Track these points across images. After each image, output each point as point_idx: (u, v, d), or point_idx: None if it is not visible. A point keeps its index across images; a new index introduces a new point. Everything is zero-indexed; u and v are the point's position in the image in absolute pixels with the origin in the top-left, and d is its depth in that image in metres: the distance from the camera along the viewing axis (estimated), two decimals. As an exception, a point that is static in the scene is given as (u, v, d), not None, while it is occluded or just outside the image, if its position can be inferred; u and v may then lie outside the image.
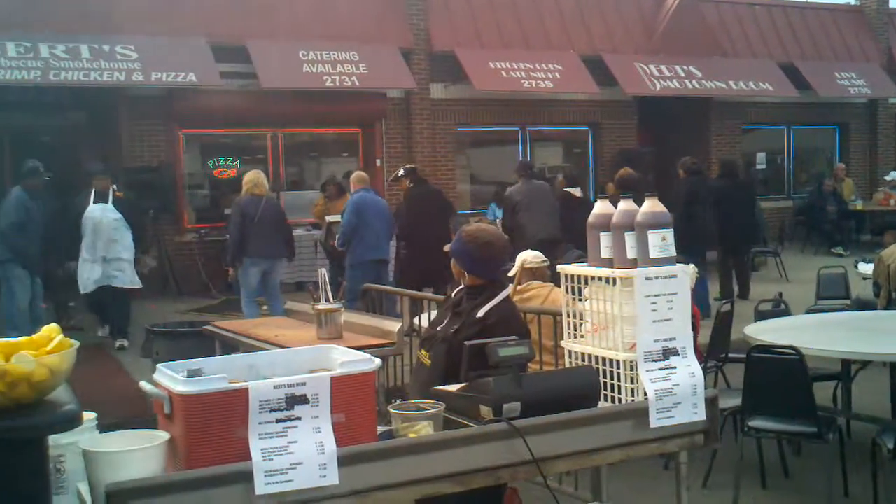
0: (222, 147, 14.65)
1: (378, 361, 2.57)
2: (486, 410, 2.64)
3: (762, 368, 5.04)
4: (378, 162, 14.92)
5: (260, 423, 2.32)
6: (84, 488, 2.41)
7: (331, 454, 2.36)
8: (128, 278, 9.52)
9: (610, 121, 16.74)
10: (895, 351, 5.55)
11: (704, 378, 3.01)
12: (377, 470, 2.44)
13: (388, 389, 5.68)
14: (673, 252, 2.94)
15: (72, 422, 2.12)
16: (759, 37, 17.93)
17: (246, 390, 2.32)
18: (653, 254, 2.92)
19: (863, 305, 7.69)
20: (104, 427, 2.63)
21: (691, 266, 3.40)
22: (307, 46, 13.68)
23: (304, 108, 13.81)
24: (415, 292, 7.38)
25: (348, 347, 2.83)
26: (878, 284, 7.32)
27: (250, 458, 2.30)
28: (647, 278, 2.88)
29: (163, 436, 2.35)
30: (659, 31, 16.61)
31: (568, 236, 10.22)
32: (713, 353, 6.42)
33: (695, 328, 4.39)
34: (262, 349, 5.02)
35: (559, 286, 3.31)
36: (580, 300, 3.13)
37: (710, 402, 2.97)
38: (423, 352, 3.50)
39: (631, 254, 2.98)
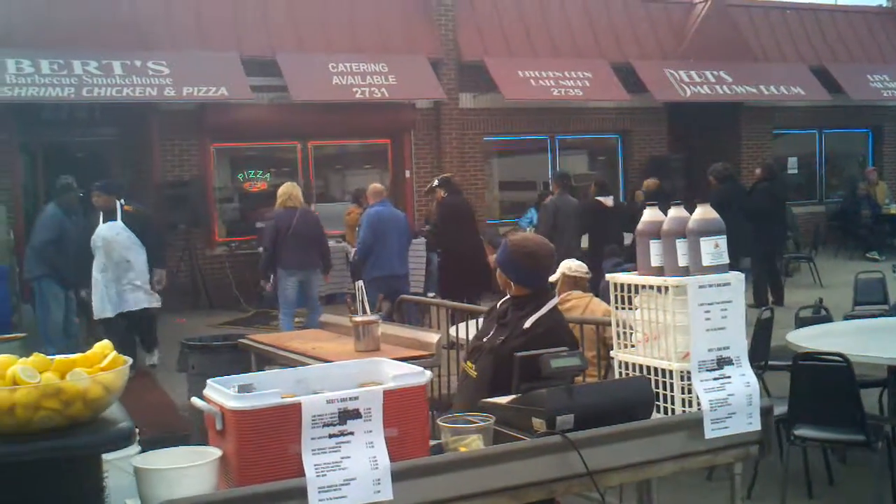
0: (252, 160, 14.71)
1: (429, 374, 2.54)
2: (539, 423, 2.60)
3: (808, 376, 4.95)
4: (407, 173, 14.92)
5: (313, 439, 2.29)
6: (135, 505, 2.39)
7: (384, 469, 2.32)
8: (144, 299, 8.86)
9: (640, 128, 16.64)
10: (943, 357, 5.43)
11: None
12: (431, 485, 2.41)
13: (431, 401, 5.64)
14: (726, 259, 2.89)
15: (127, 439, 2.11)
16: (790, 40, 17.77)
17: (299, 405, 2.29)
18: (706, 261, 2.87)
19: (902, 310, 7.57)
20: (142, 443, 2.61)
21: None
22: (337, 58, 13.72)
23: (334, 120, 13.85)
24: (451, 303, 7.33)
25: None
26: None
27: (303, 474, 2.27)
28: (700, 286, 2.83)
29: (215, 452, 2.32)
30: (689, 36, 16.51)
31: (598, 245, 10.21)
32: (753, 361, 6.31)
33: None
34: (299, 362, 5.00)
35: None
36: (629, 309, 3.08)
37: (766, 412, 2.91)
38: (469, 363, 3.46)
39: (682, 261, 2.93)
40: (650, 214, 3.09)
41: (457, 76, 14.95)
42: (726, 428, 2.82)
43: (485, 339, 3.44)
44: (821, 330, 6.24)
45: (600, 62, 15.59)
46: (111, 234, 8.65)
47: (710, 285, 2.84)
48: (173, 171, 13.39)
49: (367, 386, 2.52)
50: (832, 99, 17.02)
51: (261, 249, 10.02)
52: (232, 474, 2.30)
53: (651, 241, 3.04)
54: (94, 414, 2.11)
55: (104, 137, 14.17)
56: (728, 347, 2.87)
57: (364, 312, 5.10)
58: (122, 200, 8.91)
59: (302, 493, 2.24)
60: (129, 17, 12.81)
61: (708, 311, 2.83)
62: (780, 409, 5.16)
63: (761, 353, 6.40)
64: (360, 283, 5.32)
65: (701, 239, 2.89)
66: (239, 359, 5.99)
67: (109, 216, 8.73)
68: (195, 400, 2.43)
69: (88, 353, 2.19)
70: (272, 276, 9.18)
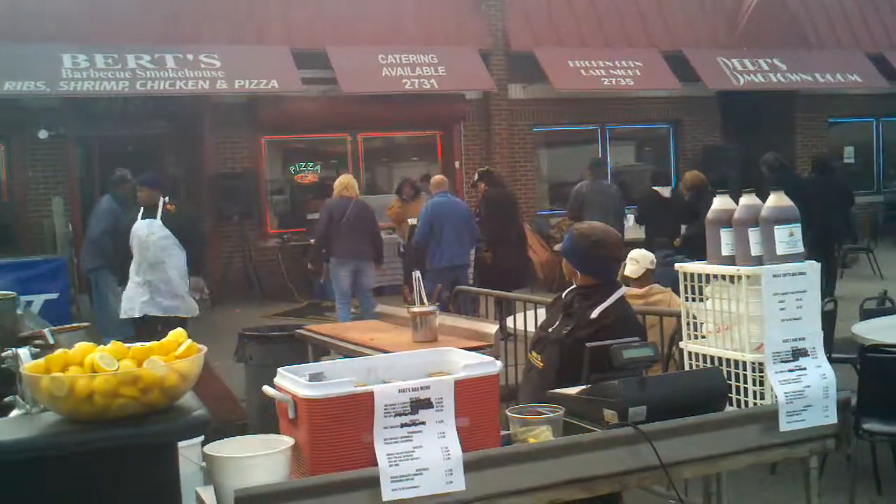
0: (303, 152, 14.78)
1: (500, 364, 2.51)
2: (610, 414, 2.56)
3: (877, 369, 4.84)
4: (457, 164, 14.89)
5: (385, 428, 2.28)
6: (206, 493, 2.39)
7: (457, 459, 2.30)
8: (176, 306, 7.89)
9: (691, 117, 16.41)
10: None
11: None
12: (503, 475, 2.39)
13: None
14: (801, 248, 2.82)
15: (202, 427, 2.12)
16: (846, 27, 17.38)
17: (371, 394, 2.28)
18: (780, 250, 2.80)
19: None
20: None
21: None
22: (386, 50, 13.72)
23: (384, 112, 13.86)
24: (507, 293, 7.31)
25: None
26: None
27: (375, 464, 2.26)
28: (774, 276, 2.77)
29: (287, 441, 2.32)
30: (742, 23, 16.21)
31: (654, 236, 10.10)
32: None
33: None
34: (357, 353, 5.00)
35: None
36: (699, 299, 3.02)
37: (843, 406, 2.84)
38: (535, 354, 3.42)
39: (755, 250, 2.86)
40: (720, 202, 3.03)
41: (506, 67, 14.87)
42: (802, 421, 2.76)
43: (550, 330, 3.40)
44: (888, 322, 6.10)
45: (651, 51, 15.40)
46: (146, 232, 7.89)
47: (785, 274, 2.77)
48: (225, 164, 13.51)
49: (435, 376, 2.50)
50: (890, 86, 16.62)
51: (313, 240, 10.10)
52: (304, 462, 2.29)
53: (722, 230, 2.98)
54: (170, 402, 2.12)
55: (157, 130, 14.34)
56: (804, 338, 2.81)
57: (421, 303, 5.09)
58: (167, 198, 8.21)
59: (375, 482, 2.23)
60: (182, 10, 12.94)
61: (783, 301, 2.77)
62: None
63: (825, 345, 6.27)
64: (418, 273, 5.31)
65: (775, 227, 2.82)
66: (296, 349, 6.02)
67: (150, 213, 7.98)
68: (267, 389, 2.43)
69: (164, 340, 2.20)
70: (324, 265, 9.26)
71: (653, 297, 5.44)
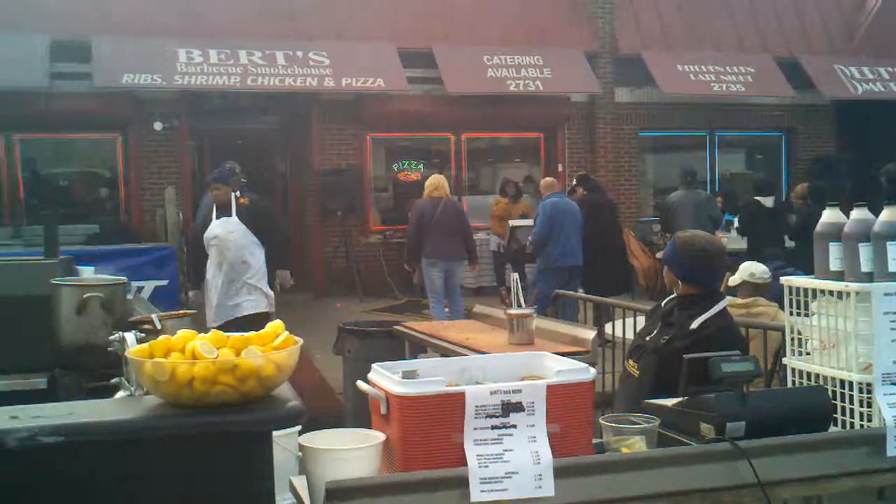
0: (406, 151, 14.94)
1: (594, 371, 2.48)
2: (707, 428, 2.50)
3: None
4: (560, 167, 14.80)
5: (476, 429, 2.28)
6: (299, 482, 2.43)
7: (547, 465, 2.28)
8: (261, 303, 7.52)
9: (805, 126, 15.93)
10: None
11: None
12: (593, 484, 2.35)
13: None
14: (916, 266, 2.69)
15: (297, 418, 2.15)
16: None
17: (462, 394, 2.28)
18: (892, 267, 2.69)
19: None
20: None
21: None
22: (491, 51, 13.74)
23: (487, 113, 13.89)
24: (607, 299, 7.22)
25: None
26: None
27: (464, 464, 2.26)
28: (886, 294, 2.65)
29: (379, 436, 2.34)
30: (861, 30, 15.64)
31: (757, 246, 9.85)
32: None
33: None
34: (453, 352, 5.02)
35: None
36: (805, 314, 2.92)
37: (957, 432, 2.70)
38: (631, 362, 3.37)
39: (866, 266, 2.76)
40: (829, 216, 2.93)
41: (613, 70, 14.71)
42: (911, 446, 2.63)
43: (648, 338, 3.35)
44: None
45: (764, 56, 14.99)
46: (224, 231, 7.44)
47: (898, 293, 2.65)
48: (331, 160, 13.75)
49: (528, 379, 2.49)
50: None
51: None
52: (395, 459, 2.31)
53: (831, 244, 2.88)
54: (266, 391, 2.16)
55: (266, 126, 14.71)
56: (916, 360, 2.68)
57: (518, 305, 5.07)
58: (238, 192, 7.71)
59: (463, 482, 2.23)
60: (292, 8, 13.22)
61: (894, 321, 2.65)
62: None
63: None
64: (515, 275, 5.30)
65: (888, 243, 2.71)
66: (393, 345, 6.09)
67: (224, 211, 7.50)
68: (360, 383, 2.46)
69: (262, 331, 2.25)
70: (416, 264, 9.41)
71: (755, 308, 5.30)
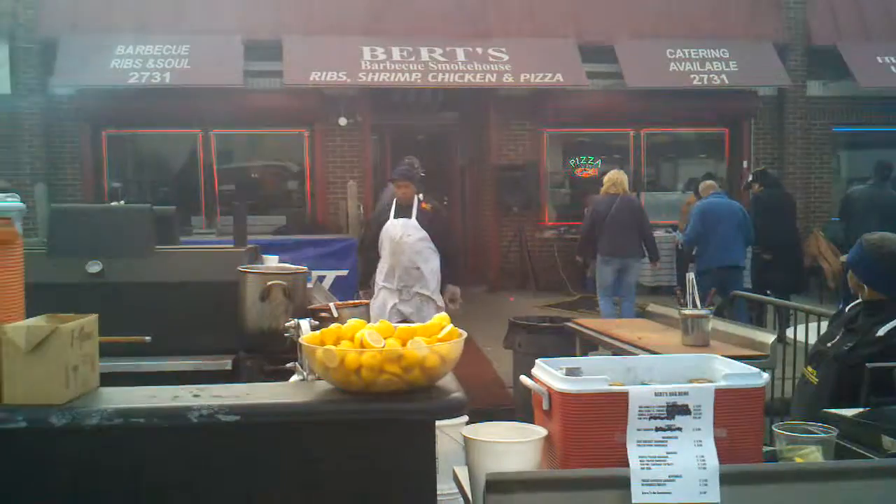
0: (584, 146, 14.80)
1: (766, 376, 2.38)
2: (890, 442, 2.36)
3: None
4: (745, 163, 14.26)
5: (639, 430, 2.24)
6: (461, 472, 2.47)
7: (713, 470, 2.22)
8: (432, 313, 6.24)
9: None
10: None
11: None
12: (762, 493, 2.26)
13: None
14: None
15: (460, 409, 2.19)
16: None
17: (626, 395, 2.25)
18: None
19: None
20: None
21: None
22: (674, 44, 13.40)
23: (669, 108, 13.54)
24: (783, 301, 6.92)
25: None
26: None
27: (624, 464, 2.23)
28: None
29: (540, 431, 2.34)
30: None
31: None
32: None
33: None
34: (624, 351, 4.95)
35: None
36: None
37: None
38: (810, 368, 3.22)
39: None
40: None
41: (804, 62, 14.01)
42: None
43: (829, 345, 3.18)
44: None
45: (977, 46, 13.89)
46: (400, 233, 6.95)
47: None
48: (508, 156, 13.83)
49: (697, 382, 2.43)
50: None
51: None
52: (556, 455, 2.31)
53: None
54: (431, 382, 2.21)
55: (445, 121, 14.94)
56: None
57: (694, 306, 4.94)
58: (421, 195, 7.15)
59: (625, 482, 2.20)
60: (472, 5, 13.36)
61: None
62: None
63: None
64: (691, 275, 5.16)
65: None
66: (563, 341, 6.08)
67: (404, 212, 7.01)
68: (524, 378, 2.46)
69: (428, 323, 2.30)
70: (590, 260, 9.36)
71: None
